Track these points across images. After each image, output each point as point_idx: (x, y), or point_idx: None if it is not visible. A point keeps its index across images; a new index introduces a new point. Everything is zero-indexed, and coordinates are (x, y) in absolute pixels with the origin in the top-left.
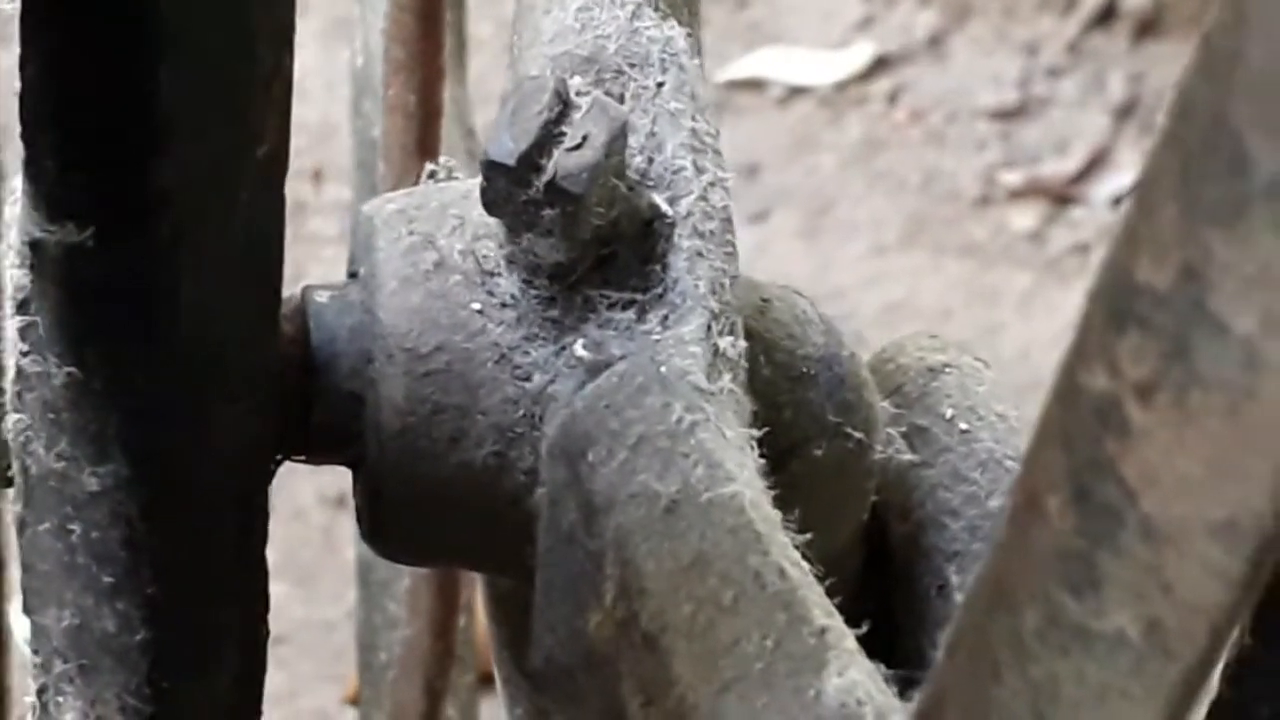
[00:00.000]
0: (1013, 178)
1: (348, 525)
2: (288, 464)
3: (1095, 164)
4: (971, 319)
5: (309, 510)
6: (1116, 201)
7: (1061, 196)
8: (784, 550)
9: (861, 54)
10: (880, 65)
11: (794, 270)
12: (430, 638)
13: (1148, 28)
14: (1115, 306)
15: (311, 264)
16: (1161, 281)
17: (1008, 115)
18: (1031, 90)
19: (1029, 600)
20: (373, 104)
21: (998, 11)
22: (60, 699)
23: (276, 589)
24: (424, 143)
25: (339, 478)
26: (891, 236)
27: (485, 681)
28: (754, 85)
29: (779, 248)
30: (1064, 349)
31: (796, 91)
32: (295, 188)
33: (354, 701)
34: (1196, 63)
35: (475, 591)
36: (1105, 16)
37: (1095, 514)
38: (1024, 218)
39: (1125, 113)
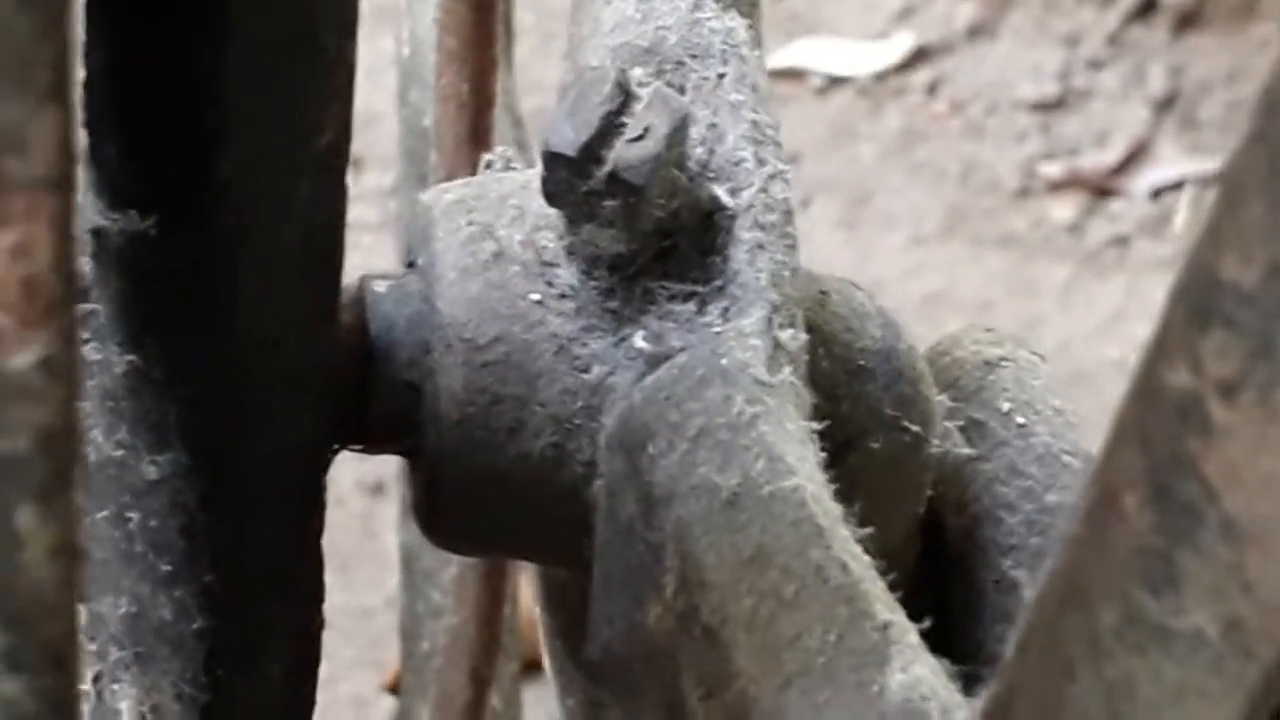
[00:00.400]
0: (1052, 169)
1: (386, 512)
2: None
3: (1135, 156)
4: (1011, 311)
5: (348, 497)
6: (1156, 194)
7: (1101, 188)
8: (846, 544)
9: (901, 45)
10: (920, 56)
11: (833, 261)
12: (476, 626)
13: (1188, 20)
14: (1199, 304)
15: (352, 252)
16: (1248, 279)
17: (1048, 107)
18: (1071, 82)
19: (1105, 598)
20: (420, 93)
21: (1038, 3)
22: (116, 686)
23: None
24: (477, 132)
25: (378, 465)
26: (931, 227)
27: (528, 670)
28: (794, 75)
29: (818, 238)
30: (1104, 339)
31: (836, 82)
32: None
33: (392, 689)
34: None
35: (519, 580)
36: (1146, 9)
37: (1175, 512)
38: (1063, 209)
39: (1165, 105)
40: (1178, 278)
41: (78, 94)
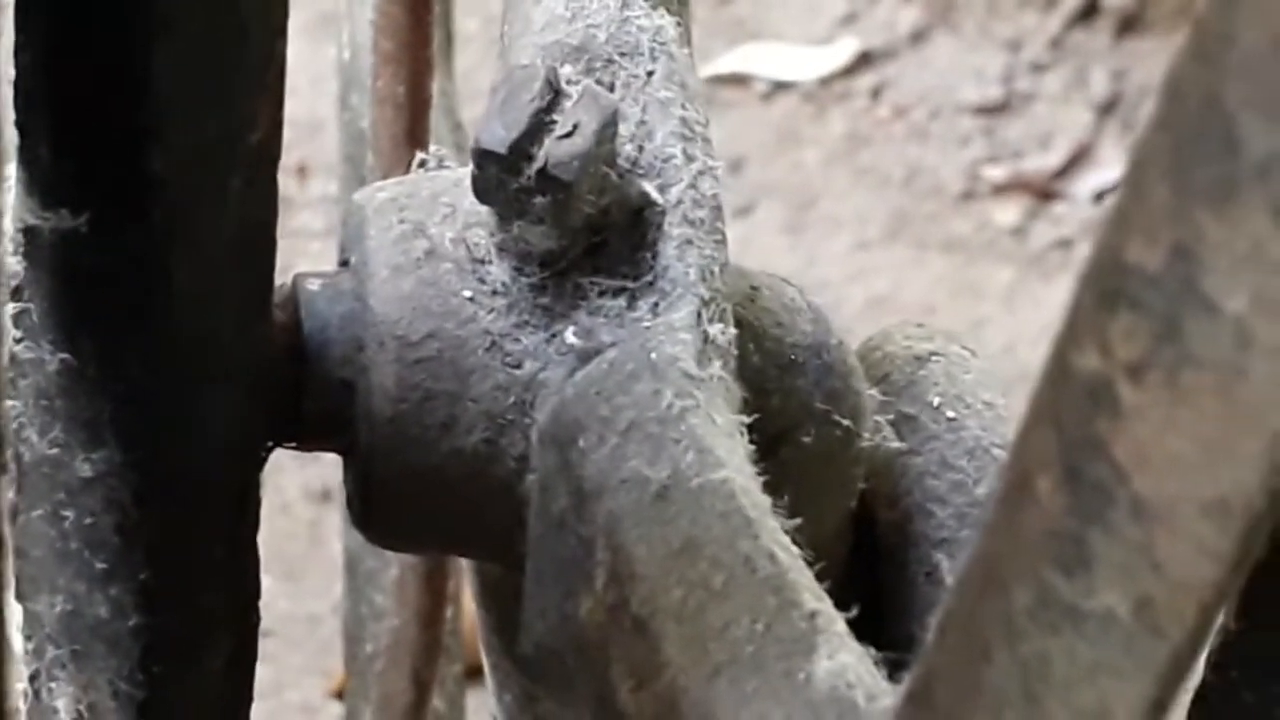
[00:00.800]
0: (996, 173)
1: (333, 519)
2: (274, 458)
3: (1078, 159)
4: (955, 313)
5: (294, 504)
6: (1099, 197)
7: (1044, 192)
8: (774, 535)
9: (845, 50)
10: (864, 61)
11: (778, 265)
12: (417, 628)
13: (1130, 24)
14: (1106, 287)
15: (298, 259)
16: (1153, 262)
17: (991, 111)
18: (1014, 86)
19: (1019, 580)
20: (360, 97)
21: (981, 7)
22: (52, 685)
23: (262, 583)
24: (413, 134)
25: (325, 470)
26: (875, 231)
27: (472, 674)
28: (738, 80)
29: (763, 242)
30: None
31: (780, 87)
32: (281, 183)
33: (340, 695)
34: (1189, 45)
35: (462, 582)
36: (1088, 13)
37: (1086, 493)
38: (1007, 213)
39: (1107, 109)
40: (1086, 262)
41: (6, 93)
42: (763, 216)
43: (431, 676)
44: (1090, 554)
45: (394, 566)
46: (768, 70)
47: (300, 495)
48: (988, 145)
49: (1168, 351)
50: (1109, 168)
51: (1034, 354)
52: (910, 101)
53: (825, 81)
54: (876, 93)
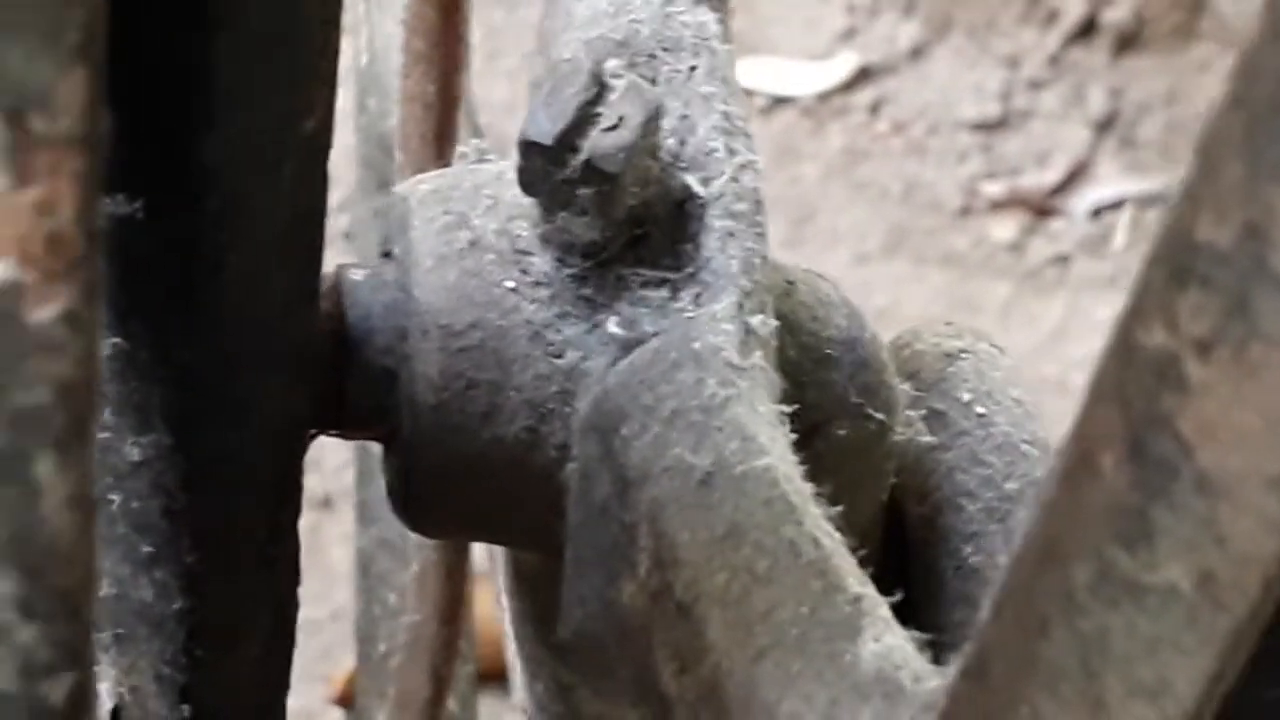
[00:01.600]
0: (993, 189)
1: (333, 527)
2: None
3: (1075, 176)
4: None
5: None
6: (1096, 213)
7: (1041, 208)
8: (817, 521)
9: (844, 65)
10: (863, 76)
11: None
12: (437, 624)
13: (1128, 42)
14: (1176, 264)
15: None
16: (1223, 239)
17: (989, 127)
18: (1012, 102)
19: (1080, 555)
20: (378, 101)
21: (980, 24)
22: (95, 668)
23: None
24: (442, 132)
25: (324, 479)
26: (873, 246)
27: (482, 680)
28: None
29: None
30: (1045, 356)
31: (780, 101)
32: None
33: (340, 701)
34: (1263, 24)
35: (476, 583)
36: (1086, 30)
37: (1151, 468)
38: (1004, 229)
39: (1105, 126)
40: (1155, 240)
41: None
42: None
43: (450, 673)
44: (1153, 528)
45: (409, 566)
46: (767, 85)
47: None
48: (986, 161)
49: (1236, 327)
50: (1106, 184)
51: (1029, 370)
52: (909, 117)
53: (824, 97)
54: (875, 108)
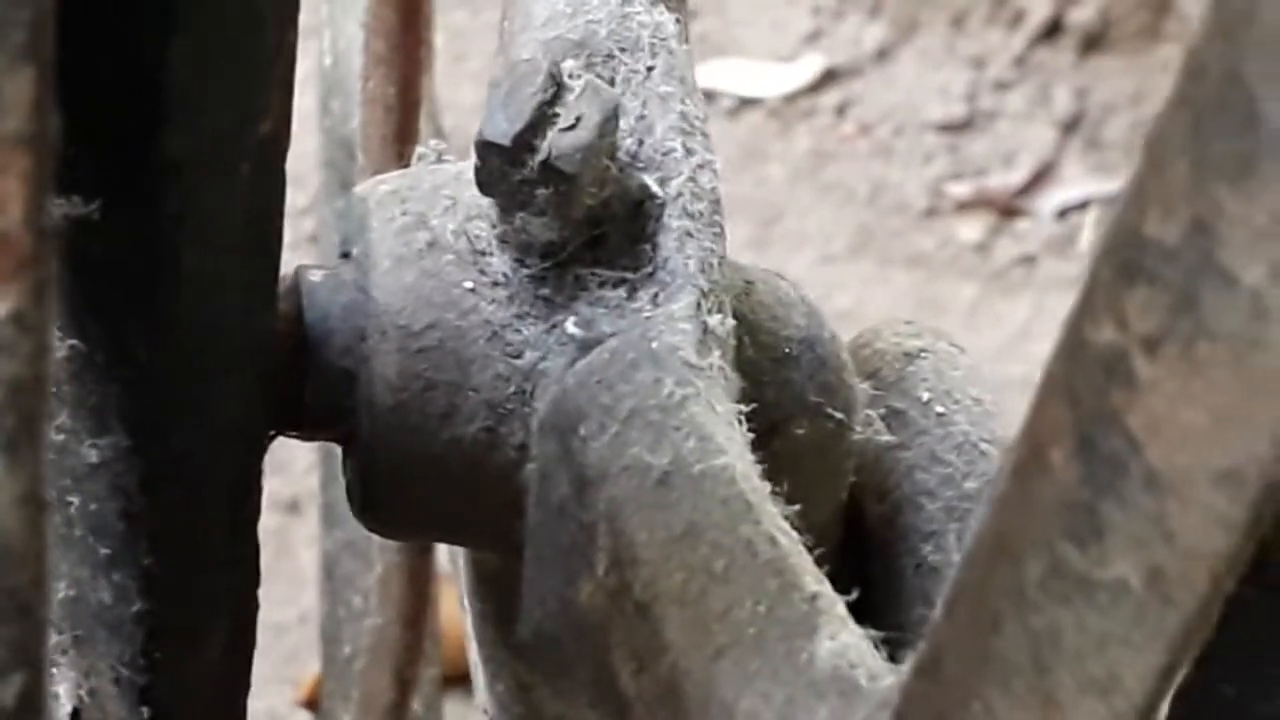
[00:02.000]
0: (960, 190)
1: (300, 530)
2: None
3: (1041, 177)
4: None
5: (262, 515)
6: (1062, 214)
7: (1008, 209)
8: (774, 520)
9: (810, 67)
10: (829, 78)
11: None
12: (400, 627)
13: (1094, 42)
14: (1124, 261)
15: None
16: (1171, 236)
17: (955, 128)
18: (978, 103)
19: (1031, 551)
20: (342, 103)
21: (945, 25)
22: (54, 670)
23: None
24: (403, 134)
25: (291, 482)
26: (840, 247)
27: (448, 683)
28: (704, 96)
29: (729, 257)
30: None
31: (746, 103)
32: None
33: (307, 704)
34: (1209, 22)
35: (441, 586)
36: (1052, 31)
37: (1100, 465)
38: (970, 229)
39: (1071, 126)
40: (1102, 237)
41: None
42: (728, 232)
43: (414, 676)
44: (1103, 524)
45: (374, 567)
46: (733, 86)
47: (267, 505)
48: (952, 162)
49: (1184, 324)
50: (1072, 185)
51: (995, 369)
52: (875, 118)
53: (790, 98)
54: (841, 109)
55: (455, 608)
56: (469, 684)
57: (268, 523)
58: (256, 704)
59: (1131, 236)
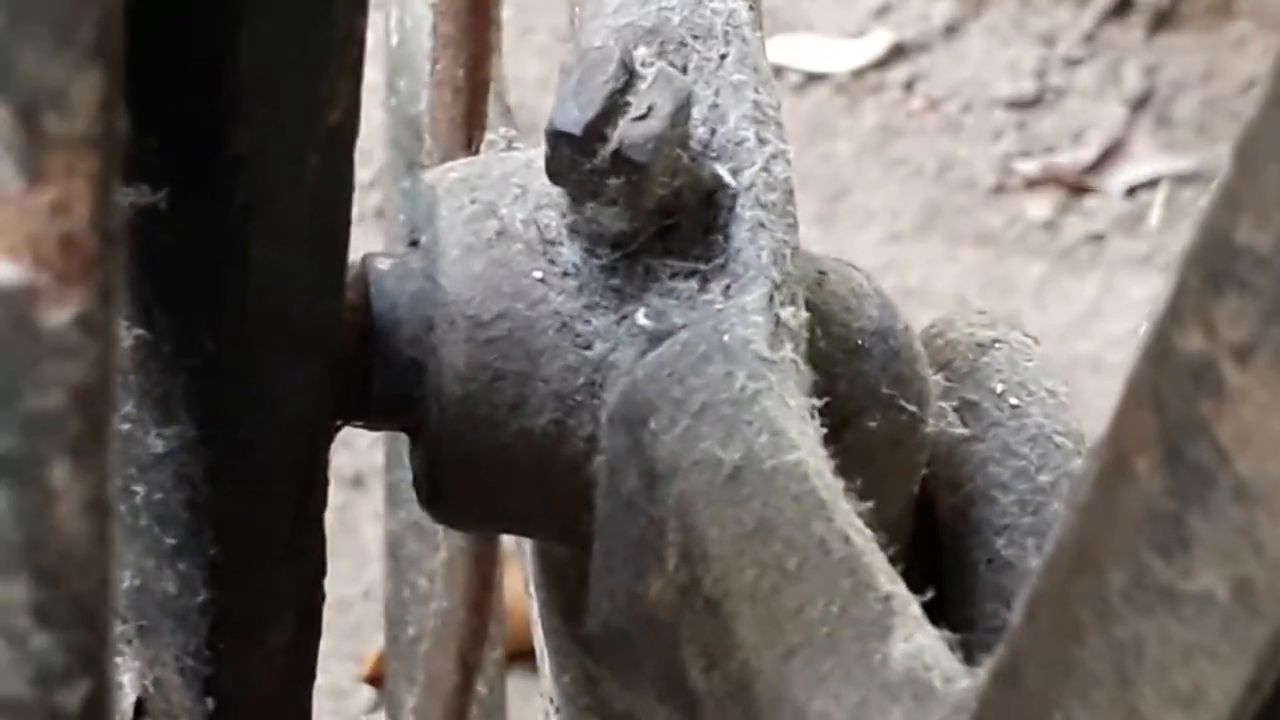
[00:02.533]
0: (1028, 167)
1: (364, 505)
2: None
3: (1110, 154)
4: (986, 307)
5: None
6: (1131, 191)
7: (1077, 186)
8: (848, 517)
9: (879, 42)
10: (897, 53)
11: None
12: (465, 611)
13: (1164, 19)
14: (1214, 268)
15: None
16: (1264, 243)
17: (1024, 105)
18: (1048, 80)
19: (1115, 560)
20: (408, 82)
21: (1014, 1)
22: (119, 660)
23: None
24: (471, 117)
25: (356, 457)
26: (907, 224)
27: (512, 660)
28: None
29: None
30: (1078, 335)
31: (813, 78)
32: None
33: (370, 679)
34: None
35: (505, 568)
36: (1122, 8)
37: (1187, 475)
38: (1039, 207)
39: (1140, 103)
40: (1192, 242)
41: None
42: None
43: (478, 660)
44: (1189, 535)
45: (437, 551)
46: (801, 62)
47: (331, 480)
48: (1020, 139)
49: (1276, 333)
50: (1141, 162)
51: (1063, 348)
52: (943, 94)
53: (858, 74)
54: (909, 85)
55: (519, 584)
56: (533, 661)
57: (331, 498)
58: (320, 679)
59: (1222, 243)
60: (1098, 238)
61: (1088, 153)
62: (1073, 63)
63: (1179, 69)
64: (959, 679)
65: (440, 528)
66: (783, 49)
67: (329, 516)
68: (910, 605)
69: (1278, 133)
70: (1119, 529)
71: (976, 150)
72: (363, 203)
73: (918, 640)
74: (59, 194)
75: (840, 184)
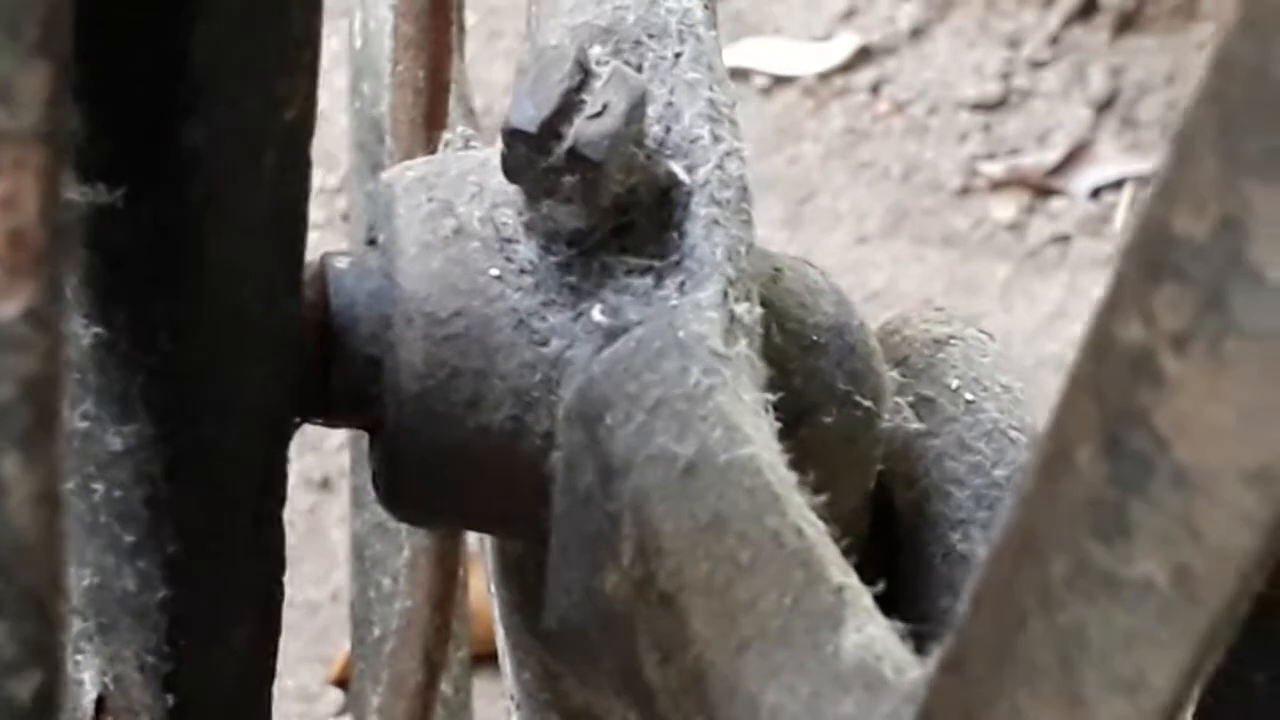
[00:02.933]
0: (994, 169)
1: (332, 508)
2: None
3: (1076, 156)
4: (952, 308)
5: (293, 493)
6: (1096, 193)
7: (1042, 188)
8: (801, 510)
9: (845, 45)
10: (863, 56)
11: None
12: (429, 609)
13: (1128, 21)
14: (1151, 258)
15: None
16: (1199, 232)
17: (989, 107)
18: (1013, 82)
19: (1057, 549)
20: (372, 84)
21: (980, 4)
22: (79, 658)
23: None
24: (432, 117)
25: (323, 460)
26: (873, 226)
27: (478, 660)
28: (738, 75)
29: (761, 236)
30: (1044, 336)
31: (780, 81)
32: None
33: (339, 682)
34: (1239, 19)
35: (471, 567)
36: (1086, 10)
37: (1127, 463)
38: (1005, 208)
39: (1106, 105)
40: (1129, 233)
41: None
42: (761, 210)
43: (443, 658)
44: (1130, 522)
45: (403, 549)
46: (767, 65)
47: (299, 483)
48: (986, 141)
49: (1212, 321)
50: (1107, 164)
51: (1030, 349)
52: (909, 97)
53: (824, 76)
54: (876, 88)
55: (485, 585)
56: (497, 663)
57: (299, 501)
58: (288, 682)
59: (1159, 233)
60: (1063, 239)
61: (1053, 154)
62: (1038, 65)
63: (1144, 71)
64: (910, 669)
65: (405, 529)
66: (749, 52)
67: (296, 520)
68: (862, 597)
69: (1212, 124)
70: (1061, 517)
71: (942, 152)
72: (330, 206)
73: (869, 631)
74: (7, 188)
75: (807, 187)
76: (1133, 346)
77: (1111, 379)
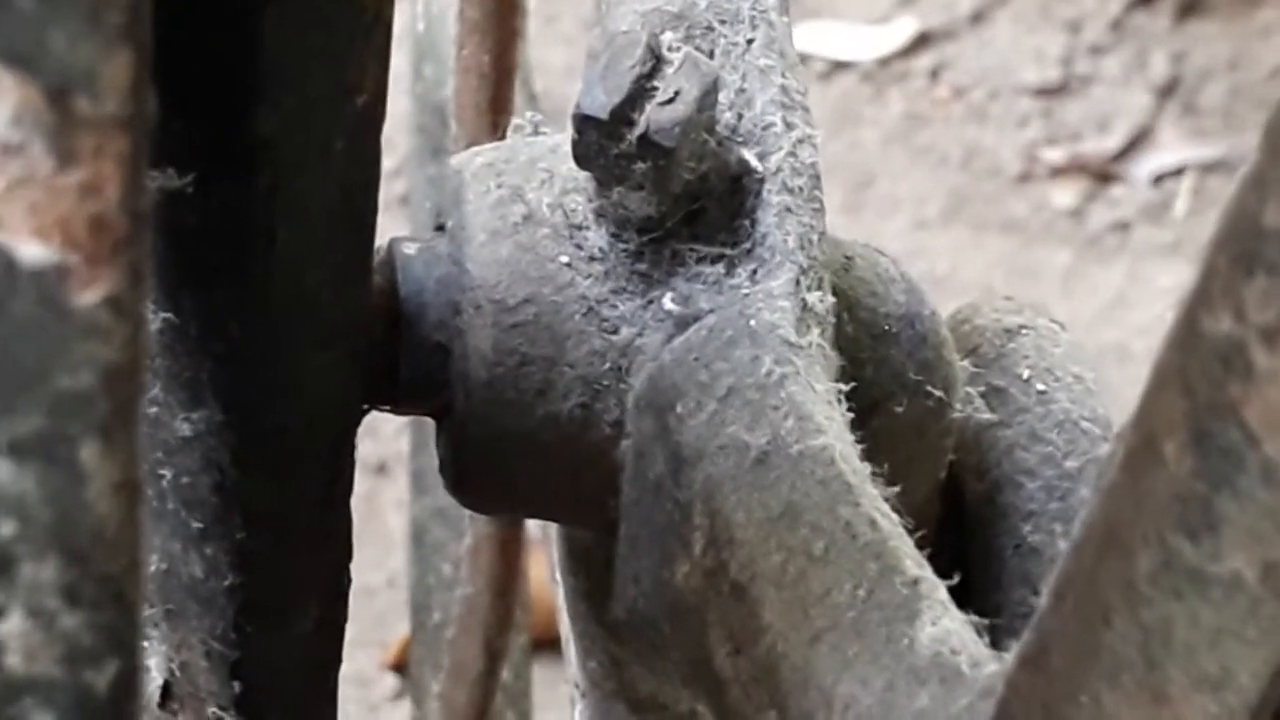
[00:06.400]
0: (1054, 155)
1: (389, 492)
2: None
3: (1136, 142)
4: (1012, 295)
5: None
6: (1157, 179)
7: (1102, 174)
8: (874, 502)
9: (904, 30)
10: (923, 41)
11: None
12: (490, 597)
13: (1190, 7)
14: (1243, 250)
15: None
16: None
17: (1049, 92)
18: (1074, 68)
19: (1143, 544)
20: (434, 68)
21: None
22: (145, 644)
23: None
24: (497, 102)
25: (380, 445)
26: (933, 212)
27: (537, 646)
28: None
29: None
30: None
31: (839, 66)
32: None
33: (395, 667)
34: None
35: (530, 555)
36: None
37: (1215, 457)
38: (1065, 195)
39: (1167, 91)
40: (1220, 225)
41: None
42: None
43: (503, 646)
44: (1218, 518)
45: (462, 538)
46: (826, 50)
47: (356, 468)
48: (1046, 127)
49: None
50: (1167, 150)
51: (1089, 336)
52: (969, 82)
53: (884, 61)
54: (935, 73)
55: (544, 572)
56: (557, 648)
57: (357, 486)
58: (344, 666)
59: (1251, 225)
60: (1123, 226)
61: (1114, 141)
62: (1099, 50)
63: (1205, 56)
64: (986, 663)
65: (465, 514)
66: (809, 36)
67: (354, 504)
68: (937, 589)
69: None
70: (1147, 512)
71: (1002, 138)
72: (387, 190)
73: (945, 624)
74: (89, 175)
75: (866, 172)
76: (1222, 339)
77: (1200, 372)
